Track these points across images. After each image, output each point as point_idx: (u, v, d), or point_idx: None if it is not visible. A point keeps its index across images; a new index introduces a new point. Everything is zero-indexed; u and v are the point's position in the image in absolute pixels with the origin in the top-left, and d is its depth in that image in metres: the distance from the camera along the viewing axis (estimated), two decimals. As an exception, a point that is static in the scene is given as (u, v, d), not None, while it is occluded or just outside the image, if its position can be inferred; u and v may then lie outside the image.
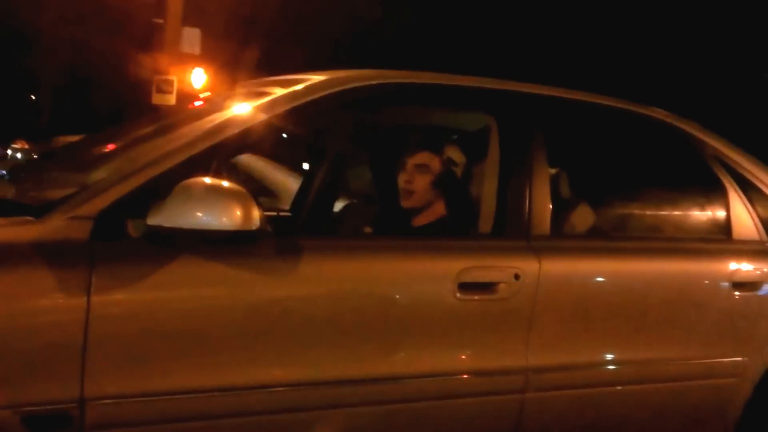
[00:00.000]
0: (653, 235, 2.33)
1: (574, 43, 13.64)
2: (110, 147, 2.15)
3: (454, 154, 2.32)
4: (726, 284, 2.17)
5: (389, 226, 2.35)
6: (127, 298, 1.50)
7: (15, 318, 1.42)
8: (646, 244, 2.21)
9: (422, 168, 2.25)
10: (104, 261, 1.49)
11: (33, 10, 13.19)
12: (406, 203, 2.26)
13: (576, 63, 12.38)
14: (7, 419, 1.40)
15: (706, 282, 2.17)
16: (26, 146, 18.57)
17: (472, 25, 14.34)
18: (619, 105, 2.34)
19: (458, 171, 2.33)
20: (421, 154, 2.27)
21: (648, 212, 2.42)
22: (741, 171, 2.35)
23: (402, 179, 2.27)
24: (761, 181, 2.36)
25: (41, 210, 1.54)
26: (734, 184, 2.33)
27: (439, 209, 2.28)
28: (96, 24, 12.91)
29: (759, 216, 2.32)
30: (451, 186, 2.27)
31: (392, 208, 2.34)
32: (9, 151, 18.46)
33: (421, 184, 2.24)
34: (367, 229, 2.40)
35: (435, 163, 2.26)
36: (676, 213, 2.43)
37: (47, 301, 1.44)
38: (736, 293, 2.17)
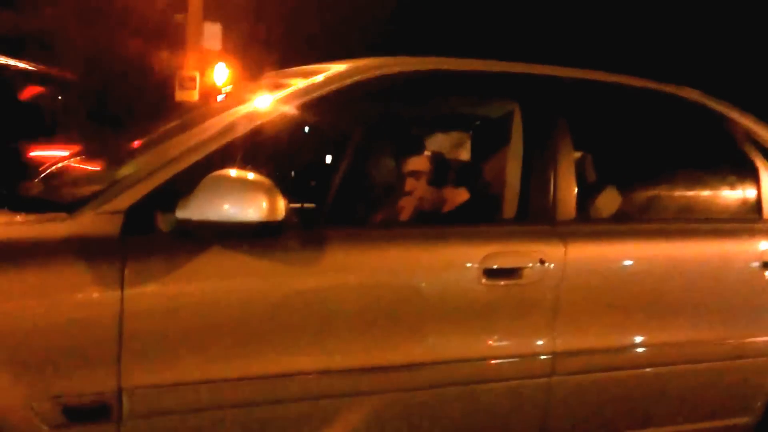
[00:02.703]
0: (681, 217, 2.30)
1: (596, 23, 13.39)
2: (138, 143, 2.19)
3: (437, 141, 2.33)
4: (756, 264, 2.14)
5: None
6: (158, 291, 1.54)
7: (52, 312, 1.46)
8: (673, 226, 2.18)
9: (414, 174, 2.30)
10: (135, 255, 1.52)
11: (56, 10, 13.40)
12: (421, 207, 2.29)
13: (598, 43, 12.16)
14: (49, 410, 1.45)
15: (736, 262, 2.14)
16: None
17: (484, 6, 14.09)
18: (646, 85, 2.30)
19: (462, 152, 2.32)
20: (408, 162, 2.32)
21: (676, 193, 2.38)
22: None
23: (406, 188, 2.31)
24: None
25: (73, 206, 1.58)
26: (765, 162, 2.28)
27: (457, 197, 2.28)
28: (119, 22, 13.08)
29: None
30: (449, 173, 2.27)
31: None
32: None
33: (422, 187, 2.28)
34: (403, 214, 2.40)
35: (422, 164, 2.28)
36: (705, 193, 2.39)
37: (82, 295, 1.48)
38: (767, 273, 2.14)
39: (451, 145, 2.32)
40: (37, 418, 1.44)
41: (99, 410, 1.49)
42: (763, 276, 2.14)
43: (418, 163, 2.30)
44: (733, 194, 2.35)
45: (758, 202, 2.26)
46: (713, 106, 2.32)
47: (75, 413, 1.47)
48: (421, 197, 2.29)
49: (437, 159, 2.29)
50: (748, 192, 2.30)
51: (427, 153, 2.31)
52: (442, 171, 2.28)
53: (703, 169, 2.37)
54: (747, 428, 2.16)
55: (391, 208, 2.41)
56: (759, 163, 2.28)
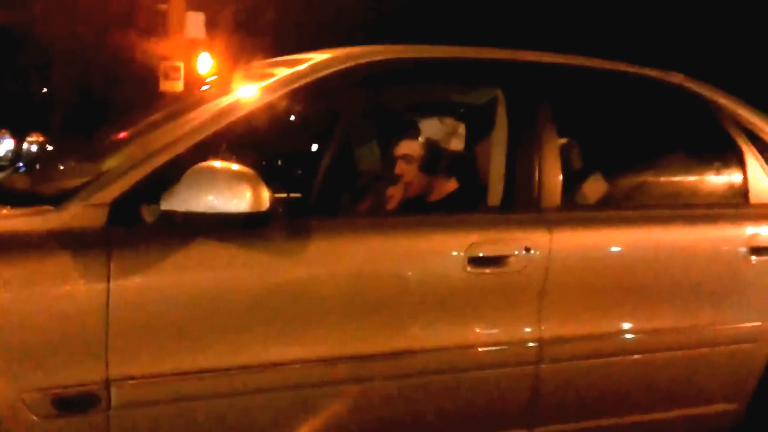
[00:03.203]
0: (667, 203, 2.31)
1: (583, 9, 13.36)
2: (122, 135, 2.18)
3: (433, 127, 2.30)
4: (743, 249, 2.14)
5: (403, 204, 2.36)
6: (144, 282, 1.53)
7: (39, 305, 1.46)
8: (659, 212, 2.19)
9: (406, 158, 2.27)
10: (121, 246, 1.52)
11: (39, 2, 13.22)
12: (407, 193, 2.28)
13: (584, 28, 12.14)
14: (38, 401, 1.45)
15: (722, 248, 2.14)
16: (41, 138, 18.77)
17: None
18: (632, 70, 2.29)
19: (456, 141, 2.30)
20: (400, 144, 2.29)
21: (662, 179, 2.39)
22: (758, 133, 2.30)
23: (396, 171, 2.29)
24: None
25: (58, 199, 1.57)
26: (751, 146, 2.28)
27: (446, 186, 2.28)
28: (102, 12, 12.91)
29: None
30: (442, 161, 2.26)
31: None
32: (25, 144, 18.66)
33: (412, 172, 2.25)
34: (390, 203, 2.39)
35: (415, 149, 2.26)
36: (691, 179, 2.40)
37: (68, 287, 1.48)
38: (753, 258, 2.15)
39: (446, 132, 2.30)
40: (27, 409, 1.45)
41: (88, 401, 1.49)
42: (750, 261, 2.15)
43: (411, 147, 2.28)
44: (719, 179, 2.35)
45: (744, 186, 2.26)
46: (698, 90, 2.32)
47: (64, 404, 1.48)
48: (409, 182, 2.28)
49: (431, 146, 2.28)
50: (734, 177, 2.30)
51: (421, 139, 2.29)
52: (435, 159, 2.26)
53: (689, 154, 2.37)
54: (735, 414, 2.17)
55: (379, 196, 2.41)
56: (745, 147, 2.28)
